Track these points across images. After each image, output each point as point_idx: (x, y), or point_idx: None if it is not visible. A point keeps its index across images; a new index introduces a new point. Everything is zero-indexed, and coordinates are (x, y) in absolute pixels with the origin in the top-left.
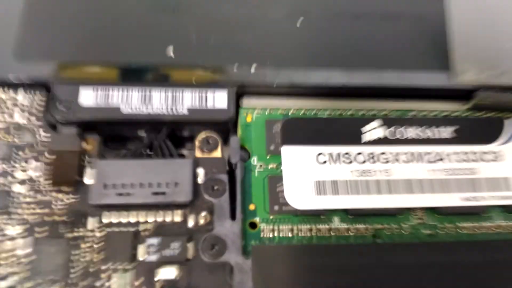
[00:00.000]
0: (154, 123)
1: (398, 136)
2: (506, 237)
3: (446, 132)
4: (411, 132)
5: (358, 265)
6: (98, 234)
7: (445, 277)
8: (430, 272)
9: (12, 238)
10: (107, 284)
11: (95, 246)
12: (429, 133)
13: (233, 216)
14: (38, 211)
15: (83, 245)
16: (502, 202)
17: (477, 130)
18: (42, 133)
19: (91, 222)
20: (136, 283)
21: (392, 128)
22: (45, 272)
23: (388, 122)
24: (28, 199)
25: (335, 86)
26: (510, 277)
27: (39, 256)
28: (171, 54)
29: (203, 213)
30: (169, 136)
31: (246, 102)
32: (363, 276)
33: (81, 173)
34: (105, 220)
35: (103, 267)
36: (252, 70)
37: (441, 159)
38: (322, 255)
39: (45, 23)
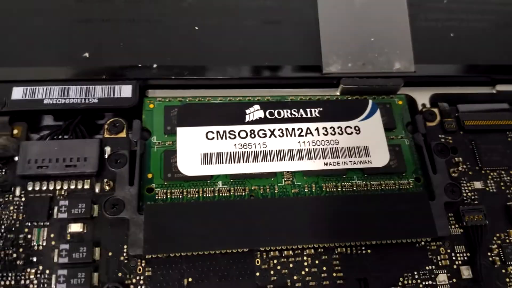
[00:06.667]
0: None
1: (275, 116)
2: (362, 193)
3: (315, 112)
4: (286, 113)
5: (235, 217)
6: (23, 199)
7: (302, 223)
8: (290, 219)
9: None
10: (29, 237)
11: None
12: (301, 113)
13: (131, 183)
14: None
15: (11, 207)
16: (360, 166)
17: (342, 110)
18: None
19: (18, 190)
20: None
21: (270, 110)
22: None
23: (267, 105)
24: None
25: (226, 78)
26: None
27: None
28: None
29: (105, 180)
30: (83, 122)
31: (151, 93)
32: (239, 225)
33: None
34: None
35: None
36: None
37: (310, 133)
38: (203, 209)
39: None
